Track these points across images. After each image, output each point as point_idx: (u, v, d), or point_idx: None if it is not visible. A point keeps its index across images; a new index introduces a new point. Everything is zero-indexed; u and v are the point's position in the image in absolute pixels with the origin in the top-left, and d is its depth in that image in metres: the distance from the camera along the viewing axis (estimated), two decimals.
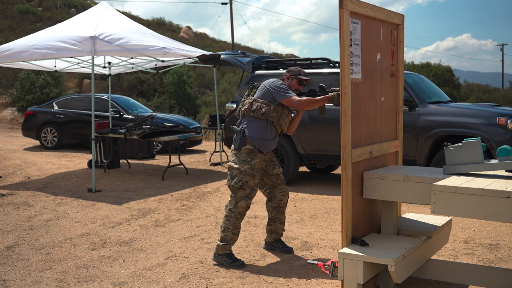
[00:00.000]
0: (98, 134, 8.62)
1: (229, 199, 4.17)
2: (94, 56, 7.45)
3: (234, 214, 4.11)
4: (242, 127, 4.17)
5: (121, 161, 9.48)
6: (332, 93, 3.88)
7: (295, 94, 4.11)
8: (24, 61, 8.13)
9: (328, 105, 7.39)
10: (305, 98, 4.07)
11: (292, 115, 4.33)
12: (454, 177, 3.18)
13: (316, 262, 3.81)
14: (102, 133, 8.69)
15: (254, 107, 4.12)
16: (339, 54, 3.19)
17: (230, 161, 4.21)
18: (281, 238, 4.56)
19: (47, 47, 7.24)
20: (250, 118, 4.17)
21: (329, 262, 3.42)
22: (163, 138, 8.28)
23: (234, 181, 4.10)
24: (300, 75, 4.23)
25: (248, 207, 4.14)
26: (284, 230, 4.53)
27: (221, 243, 4.13)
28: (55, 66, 9.65)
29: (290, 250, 4.45)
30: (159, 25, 34.92)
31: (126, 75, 21.71)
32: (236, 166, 4.11)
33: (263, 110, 4.08)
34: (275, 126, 4.19)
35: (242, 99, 4.32)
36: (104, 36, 7.22)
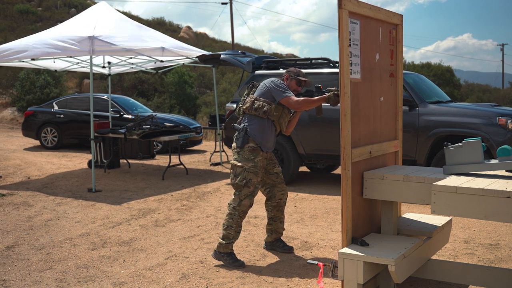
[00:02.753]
0: (98, 134, 8.62)
1: (233, 197, 4.16)
2: (93, 56, 7.46)
3: (238, 212, 4.11)
4: (244, 125, 4.17)
5: (121, 161, 9.48)
6: (329, 93, 3.88)
7: (293, 94, 4.12)
8: (23, 61, 8.13)
9: (327, 105, 7.40)
10: (302, 98, 4.08)
11: (291, 115, 4.33)
12: (454, 177, 3.18)
13: (316, 262, 3.80)
14: (102, 133, 8.70)
15: (256, 105, 4.12)
16: (339, 54, 3.19)
17: (232, 160, 4.20)
18: (281, 238, 4.55)
19: (46, 46, 7.25)
20: (251, 116, 4.17)
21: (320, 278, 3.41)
22: (163, 138, 8.28)
23: (238, 179, 4.09)
24: (299, 76, 4.24)
25: (251, 205, 4.16)
26: (284, 229, 4.54)
27: (224, 242, 4.12)
28: (55, 66, 9.65)
29: (290, 250, 4.45)
30: (159, 25, 34.91)
31: (126, 75, 21.71)
32: (240, 164, 4.11)
33: (265, 108, 4.09)
34: (275, 125, 4.20)
35: (242, 98, 4.32)
36: (103, 36, 7.23)
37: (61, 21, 9.06)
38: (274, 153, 7.47)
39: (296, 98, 4.06)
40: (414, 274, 3.58)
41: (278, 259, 4.29)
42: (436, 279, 3.59)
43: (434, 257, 4.04)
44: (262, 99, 4.13)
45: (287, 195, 4.44)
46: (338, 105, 3.86)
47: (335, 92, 3.84)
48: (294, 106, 4.07)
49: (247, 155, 4.11)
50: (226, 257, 4.12)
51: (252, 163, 4.10)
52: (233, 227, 4.12)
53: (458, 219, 5.39)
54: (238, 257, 4.28)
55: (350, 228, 3.28)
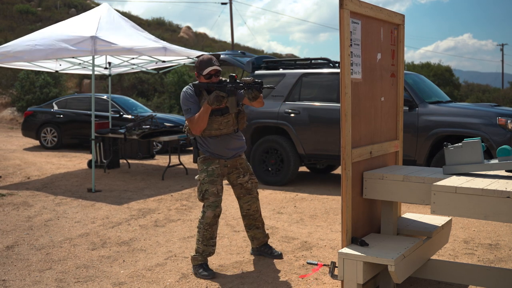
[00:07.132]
0: (98, 134, 8.62)
1: None
2: (95, 56, 7.45)
3: (203, 225, 3.94)
4: (194, 138, 4.07)
5: (121, 161, 9.48)
6: (211, 95, 3.76)
7: (192, 114, 3.86)
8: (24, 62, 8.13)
9: (328, 104, 7.38)
10: (195, 117, 3.85)
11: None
12: (454, 177, 3.18)
13: (316, 262, 3.81)
14: (102, 133, 8.70)
15: (185, 126, 4.08)
16: (339, 54, 3.19)
17: None
18: (281, 238, 4.53)
19: (48, 47, 7.24)
20: None
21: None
22: (163, 138, 8.28)
23: (198, 194, 3.99)
24: (202, 69, 3.94)
25: (217, 216, 3.93)
26: (265, 235, 4.33)
27: (193, 254, 4.01)
28: (59, 65, 9.64)
29: (279, 256, 4.27)
30: (159, 25, 34.92)
31: (126, 75, 21.72)
32: (197, 178, 4.02)
33: (187, 127, 4.03)
34: (210, 136, 4.00)
35: None
36: (105, 36, 7.22)
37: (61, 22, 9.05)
38: (273, 153, 7.53)
39: (190, 119, 3.85)
40: (414, 274, 3.58)
41: (278, 259, 4.29)
42: (436, 279, 3.59)
43: (434, 257, 4.04)
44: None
45: (256, 203, 4.20)
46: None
47: (218, 92, 3.74)
48: (191, 130, 3.92)
49: (200, 166, 4.01)
50: (197, 268, 3.95)
51: (205, 173, 3.96)
52: (200, 240, 3.96)
53: (458, 219, 5.39)
54: (238, 257, 4.27)
55: (350, 228, 3.28)
